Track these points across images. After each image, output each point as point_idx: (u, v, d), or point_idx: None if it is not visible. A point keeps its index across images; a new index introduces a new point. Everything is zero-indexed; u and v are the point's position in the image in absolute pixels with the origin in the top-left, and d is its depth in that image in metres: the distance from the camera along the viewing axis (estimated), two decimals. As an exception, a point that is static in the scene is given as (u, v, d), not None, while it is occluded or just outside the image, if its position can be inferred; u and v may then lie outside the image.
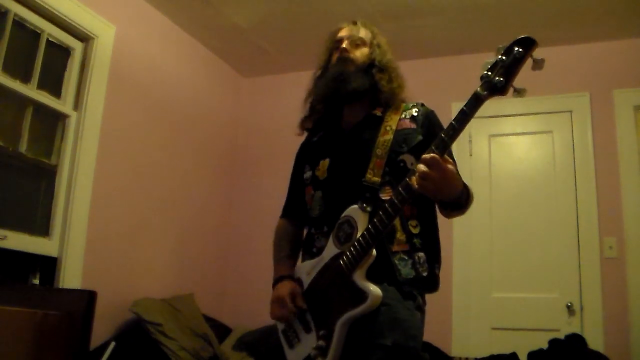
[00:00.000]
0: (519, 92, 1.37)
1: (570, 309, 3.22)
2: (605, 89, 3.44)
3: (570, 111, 3.51)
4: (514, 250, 3.44)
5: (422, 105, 1.76)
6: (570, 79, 3.53)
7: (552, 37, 3.50)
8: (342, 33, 1.80)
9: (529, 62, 1.38)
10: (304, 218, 1.82)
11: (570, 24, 3.38)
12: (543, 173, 3.50)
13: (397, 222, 1.58)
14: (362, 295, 1.49)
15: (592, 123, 3.43)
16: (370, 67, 1.73)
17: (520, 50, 1.35)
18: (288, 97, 4.17)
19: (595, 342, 2.97)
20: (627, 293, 3.13)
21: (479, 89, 1.38)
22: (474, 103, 1.38)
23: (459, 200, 1.53)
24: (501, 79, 1.36)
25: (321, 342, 1.54)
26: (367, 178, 1.60)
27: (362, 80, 1.71)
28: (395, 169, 1.61)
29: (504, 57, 1.38)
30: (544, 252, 3.36)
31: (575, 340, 2.80)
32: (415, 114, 1.71)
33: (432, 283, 1.64)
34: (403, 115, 1.71)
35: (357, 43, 1.76)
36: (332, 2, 3.29)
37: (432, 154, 1.36)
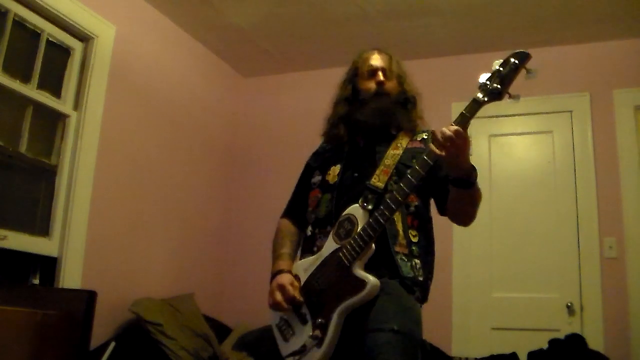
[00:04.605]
0: (514, 98, 1.52)
1: (570, 309, 3.22)
2: (605, 89, 3.44)
3: (570, 111, 3.51)
4: (514, 250, 3.44)
5: (432, 131, 1.87)
6: (570, 79, 3.53)
7: (552, 37, 3.51)
8: (376, 62, 1.89)
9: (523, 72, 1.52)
10: (305, 220, 1.89)
11: (570, 24, 3.38)
12: (543, 173, 3.50)
13: (399, 227, 1.68)
14: (361, 283, 1.54)
15: (592, 123, 3.43)
16: (403, 99, 1.86)
17: (516, 62, 1.50)
18: (288, 97, 4.19)
19: (595, 342, 2.97)
20: (627, 293, 3.13)
21: (478, 94, 1.52)
22: (473, 107, 1.52)
23: (469, 176, 1.61)
24: (497, 85, 1.51)
25: (317, 332, 1.56)
26: (371, 182, 1.70)
27: (404, 117, 1.85)
28: (401, 179, 1.66)
29: (500, 68, 1.52)
30: (544, 252, 3.36)
31: (575, 340, 2.80)
32: (426, 137, 1.85)
33: (423, 293, 1.71)
34: (414, 138, 1.84)
35: (390, 75, 1.87)
36: (333, 2, 3.29)
37: (455, 126, 1.49)
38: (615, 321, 3.11)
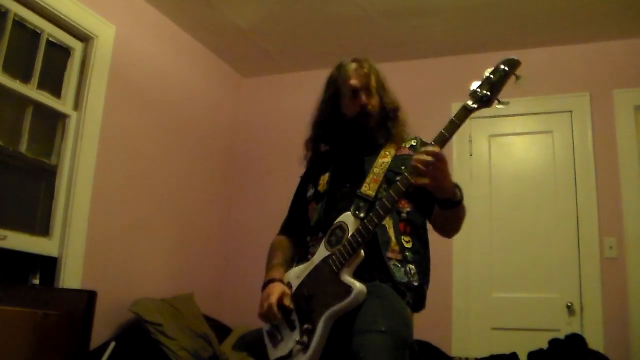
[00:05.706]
0: (503, 103, 1.53)
1: (570, 309, 3.22)
2: (605, 89, 3.44)
3: (570, 111, 3.51)
4: (514, 250, 3.44)
5: (420, 138, 1.90)
6: (570, 79, 3.53)
7: (552, 37, 3.51)
8: (355, 82, 1.83)
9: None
10: (302, 237, 1.88)
11: (570, 24, 3.38)
12: (543, 173, 3.50)
13: (391, 233, 1.68)
14: (347, 289, 1.54)
15: (592, 123, 3.43)
16: (383, 116, 1.85)
17: (505, 68, 1.52)
18: (288, 97, 4.18)
19: (595, 342, 2.97)
20: (627, 293, 3.13)
21: (468, 101, 1.53)
22: (463, 113, 1.53)
23: (454, 197, 1.61)
24: (487, 92, 1.52)
25: (304, 338, 1.57)
26: (362, 190, 1.70)
27: (384, 134, 1.85)
28: (391, 187, 1.66)
29: (491, 76, 1.53)
30: (544, 252, 3.36)
31: (575, 340, 2.80)
32: (414, 144, 1.87)
33: (419, 298, 1.70)
34: (403, 145, 1.85)
35: (371, 92, 1.84)
36: (332, 2, 3.29)
37: (434, 147, 1.50)
38: (615, 321, 3.11)
